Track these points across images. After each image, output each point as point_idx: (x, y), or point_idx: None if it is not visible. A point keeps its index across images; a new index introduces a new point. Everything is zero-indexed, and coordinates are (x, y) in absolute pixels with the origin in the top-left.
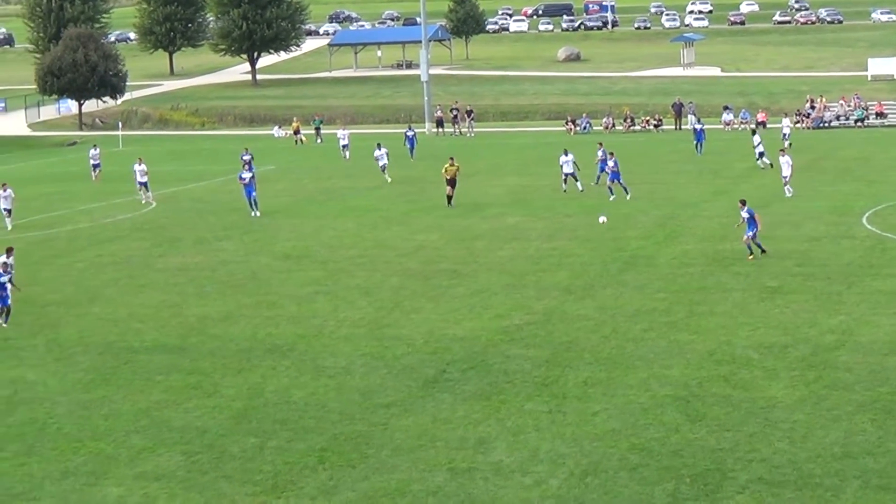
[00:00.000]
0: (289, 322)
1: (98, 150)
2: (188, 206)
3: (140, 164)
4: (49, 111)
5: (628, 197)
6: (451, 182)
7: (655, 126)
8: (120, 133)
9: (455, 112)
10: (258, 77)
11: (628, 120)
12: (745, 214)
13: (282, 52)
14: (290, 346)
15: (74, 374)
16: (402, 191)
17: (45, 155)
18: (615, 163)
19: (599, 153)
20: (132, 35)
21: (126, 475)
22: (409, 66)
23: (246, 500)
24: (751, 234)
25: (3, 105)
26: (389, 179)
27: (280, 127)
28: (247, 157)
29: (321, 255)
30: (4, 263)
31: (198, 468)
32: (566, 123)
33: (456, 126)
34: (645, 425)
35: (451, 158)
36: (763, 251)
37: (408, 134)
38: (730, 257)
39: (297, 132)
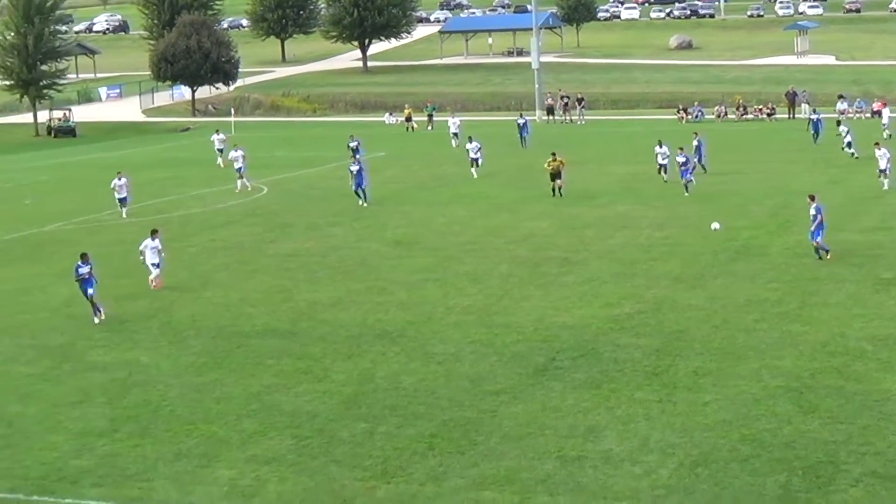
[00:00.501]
0: (399, 308)
1: (222, 135)
2: (299, 192)
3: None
4: (163, 97)
5: (686, 194)
6: (555, 175)
7: (769, 115)
8: (232, 119)
9: (565, 100)
10: (369, 64)
11: (741, 108)
12: (812, 211)
13: (393, 39)
14: (400, 332)
15: (187, 357)
16: (512, 178)
17: (159, 140)
18: (686, 158)
19: (695, 142)
20: (244, 22)
21: (237, 458)
22: (520, 53)
23: (355, 484)
24: (817, 234)
25: (118, 91)
26: (476, 175)
27: (391, 114)
28: (353, 144)
29: (431, 241)
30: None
31: (308, 452)
32: (678, 112)
33: (566, 114)
34: (756, 416)
35: (553, 154)
36: (826, 251)
37: (519, 122)
38: (844, 248)
39: (408, 119)
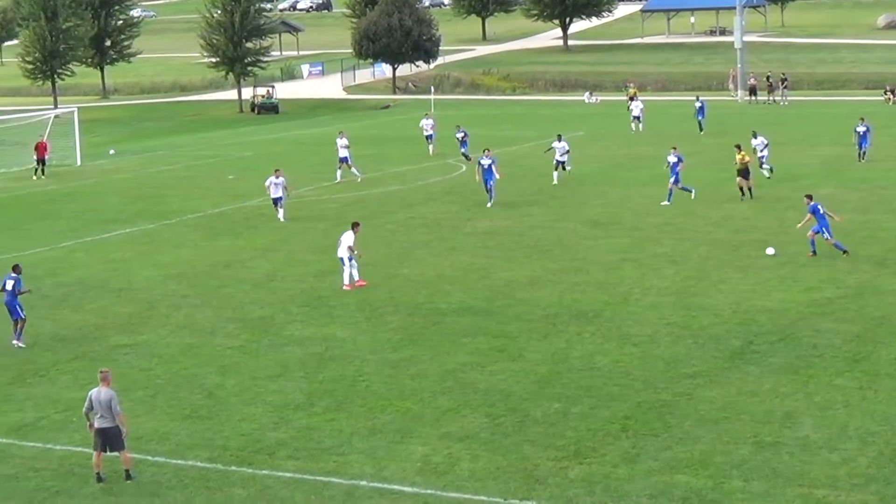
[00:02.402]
0: (595, 288)
1: (431, 119)
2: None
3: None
4: (364, 75)
5: (665, 203)
6: (743, 173)
7: None
8: (432, 97)
9: (769, 80)
10: (570, 43)
11: None
12: (809, 211)
13: (594, 18)
14: (596, 312)
15: (384, 333)
16: (709, 158)
17: (360, 118)
18: (679, 158)
19: (861, 128)
20: (446, 0)
21: (431, 435)
22: (723, 32)
23: (548, 464)
24: (825, 233)
25: (320, 69)
26: (555, 182)
27: (591, 93)
28: (459, 135)
29: (629, 222)
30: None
31: (501, 431)
32: (885, 93)
33: (770, 94)
34: None
35: (738, 146)
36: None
37: (696, 105)
38: None
39: (633, 98)
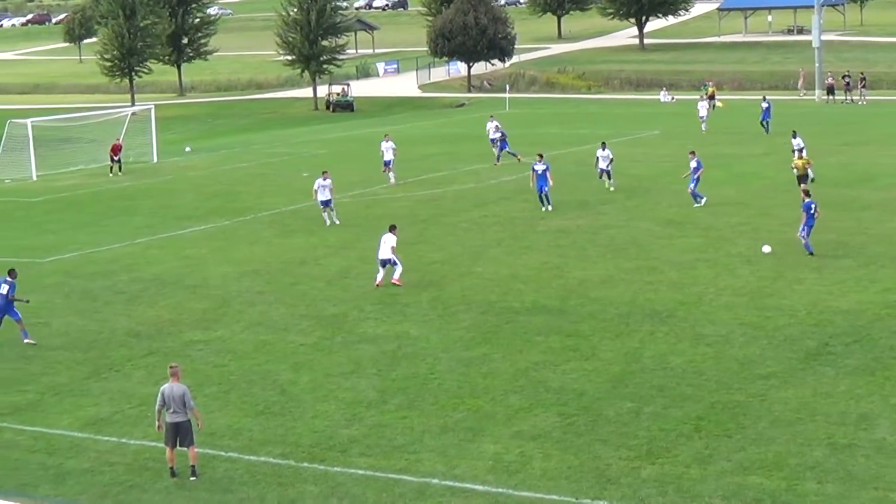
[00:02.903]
0: (668, 288)
1: (496, 121)
2: (571, 170)
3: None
4: (439, 73)
5: (696, 206)
6: (804, 178)
7: None
8: (507, 95)
9: (846, 80)
10: (646, 41)
11: None
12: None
13: (670, 17)
14: (670, 312)
15: (456, 331)
16: (782, 159)
17: (434, 116)
18: (698, 164)
19: None
20: None
21: (503, 433)
22: (801, 31)
23: (620, 464)
24: (804, 229)
25: (395, 66)
26: (612, 189)
27: (666, 91)
28: (496, 136)
29: (703, 221)
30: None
31: (573, 430)
32: None
33: (847, 94)
34: None
35: (799, 151)
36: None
37: (763, 105)
38: None
39: (712, 97)
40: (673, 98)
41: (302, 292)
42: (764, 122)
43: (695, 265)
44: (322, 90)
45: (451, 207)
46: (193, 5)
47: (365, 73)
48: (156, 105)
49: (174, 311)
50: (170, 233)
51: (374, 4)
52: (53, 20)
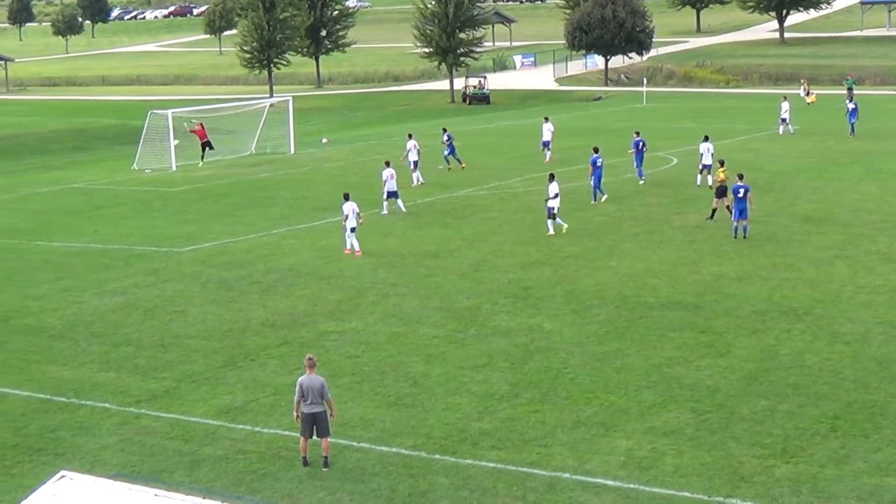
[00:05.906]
0: (805, 285)
1: (550, 125)
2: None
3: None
4: (576, 66)
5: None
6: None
7: None
8: (644, 89)
9: None
10: (786, 35)
11: None
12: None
13: (811, 10)
14: (806, 309)
15: (589, 325)
16: None
17: (570, 109)
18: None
19: None
20: None
21: (635, 429)
22: None
23: (753, 462)
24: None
25: (532, 60)
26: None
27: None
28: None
29: (842, 218)
30: None
31: (707, 427)
32: None
33: None
34: None
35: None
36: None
37: (849, 106)
38: None
39: (850, 89)
40: (808, 92)
41: (435, 284)
42: (851, 122)
43: (833, 262)
44: (459, 83)
45: (585, 201)
46: None
47: (502, 65)
48: (293, 97)
49: (309, 302)
50: (306, 224)
51: None
52: (195, 12)
